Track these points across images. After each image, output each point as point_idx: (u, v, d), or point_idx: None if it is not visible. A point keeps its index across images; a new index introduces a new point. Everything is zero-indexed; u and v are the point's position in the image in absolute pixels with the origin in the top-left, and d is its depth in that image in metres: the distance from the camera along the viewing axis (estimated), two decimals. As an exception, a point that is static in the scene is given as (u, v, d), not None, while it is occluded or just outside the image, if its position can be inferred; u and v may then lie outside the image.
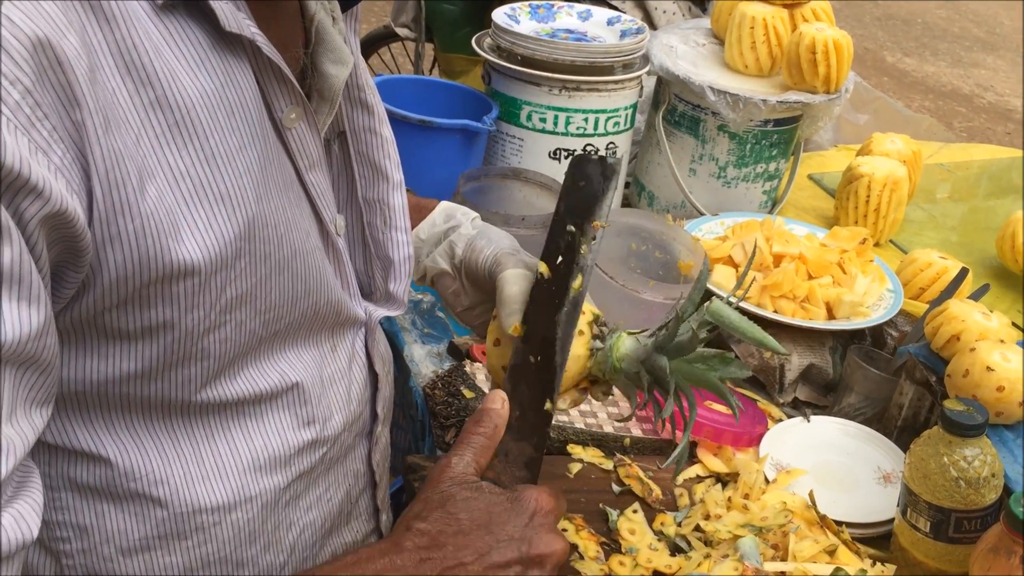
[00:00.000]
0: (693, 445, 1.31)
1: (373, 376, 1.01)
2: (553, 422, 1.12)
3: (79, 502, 0.82)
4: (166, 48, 0.72)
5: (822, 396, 1.47)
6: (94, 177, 0.68)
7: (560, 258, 0.94)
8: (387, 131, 0.99)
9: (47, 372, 0.68)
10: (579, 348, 0.96)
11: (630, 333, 0.97)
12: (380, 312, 1.00)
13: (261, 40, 0.77)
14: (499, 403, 0.90)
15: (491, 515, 0.83)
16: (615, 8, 2.23)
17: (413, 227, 1.08)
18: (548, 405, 0.92)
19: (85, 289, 0.72)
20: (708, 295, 0.96)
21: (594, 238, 0.95)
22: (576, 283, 0.94)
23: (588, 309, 0.98)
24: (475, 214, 1.10)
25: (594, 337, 0.97)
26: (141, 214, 0.71)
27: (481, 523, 0.83)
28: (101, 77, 0.68)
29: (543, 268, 0.95)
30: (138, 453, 0.82)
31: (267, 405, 0.87)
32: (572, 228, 0.94)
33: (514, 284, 0.97)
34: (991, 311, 1.33)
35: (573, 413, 1.34)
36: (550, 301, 0.94)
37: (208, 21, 0.75)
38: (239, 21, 0.75)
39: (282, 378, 0.88)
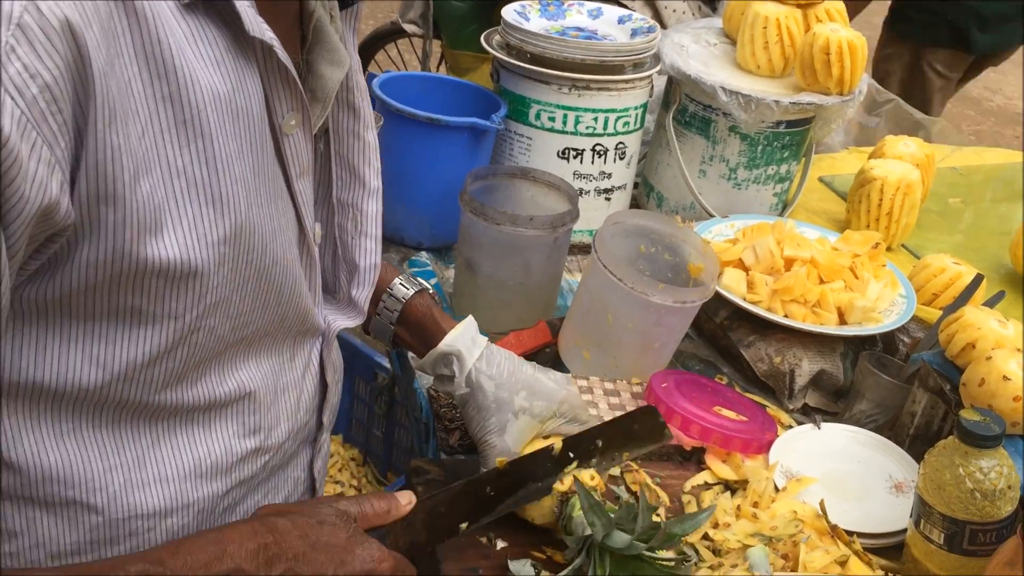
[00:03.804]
0: (701, 451, 1.29)
1: (323, 386, 1.01)
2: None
3: (9, 509, 0.81)
4: (187, 46, 0.73)
5: (832, 402, 1.45)
6: (82, 165, 0.68)
7: (573, 454, 1.05)
8: (371, 136, 0.97)
9: None
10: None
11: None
12: (340, 322, 1.00)
13: (278, 45, 0.77)
14: (405, 501, 0.94)
15: (331, 545, 0.84)
16: (625, 7, 2.21)
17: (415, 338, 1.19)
18: (464, 526, 0.99)
19: (56, 265, 0.71)
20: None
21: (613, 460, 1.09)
22: (562, 484, 1.04)
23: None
24: (476, 353, 1.14)
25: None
26: (127, 206, 0.70)
27: (322, 545, 0.83)
28: (119, 66, 0.68)
29: (558, 446, 1.05)
30: (81, 460, 0.81)
31: (217, 412, 0.87)
32: (599, 443, 1.07)
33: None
34: (1006, 319, 1.30)
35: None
36: (540, 466, 1.04)
37: (226, 24, 0.75)
38: (260, 25, 0.75)
39: (239, 387, 0.88)
